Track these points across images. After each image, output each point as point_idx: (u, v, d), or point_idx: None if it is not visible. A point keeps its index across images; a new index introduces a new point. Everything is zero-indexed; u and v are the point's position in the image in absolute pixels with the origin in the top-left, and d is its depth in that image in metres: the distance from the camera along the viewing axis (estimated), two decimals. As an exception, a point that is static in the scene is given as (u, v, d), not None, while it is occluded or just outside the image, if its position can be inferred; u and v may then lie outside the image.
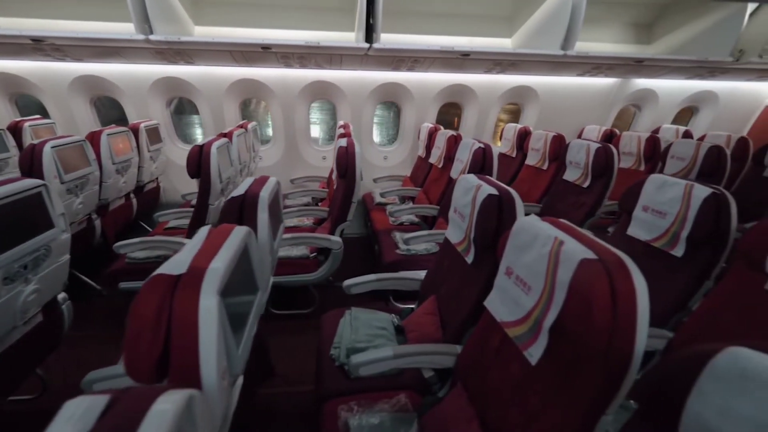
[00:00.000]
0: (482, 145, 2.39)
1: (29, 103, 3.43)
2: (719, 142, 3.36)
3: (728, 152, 3.32)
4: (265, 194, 1.23)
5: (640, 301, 0.77)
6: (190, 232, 2.33)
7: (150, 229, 2.93)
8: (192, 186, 2.46)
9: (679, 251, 1.49)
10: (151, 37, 2.12)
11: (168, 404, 0.44)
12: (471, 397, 1.20)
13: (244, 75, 3.25)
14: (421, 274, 1.86)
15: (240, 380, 0.93)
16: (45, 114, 3.31)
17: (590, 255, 0.82)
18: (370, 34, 2.32)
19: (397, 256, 2.47)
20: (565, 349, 0.87)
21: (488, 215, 1.30)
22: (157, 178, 3.49)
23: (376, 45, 2.31)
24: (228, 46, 2.31)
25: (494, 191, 1.32)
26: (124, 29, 2.14)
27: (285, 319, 2.57)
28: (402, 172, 3.98)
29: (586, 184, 2.59)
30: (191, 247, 0.80)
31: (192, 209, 2.31)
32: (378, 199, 3.58)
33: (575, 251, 0.83)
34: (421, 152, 3.61)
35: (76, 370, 1.77)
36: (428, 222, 2.99)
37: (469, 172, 2.49)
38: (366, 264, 3.14)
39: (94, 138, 2.51)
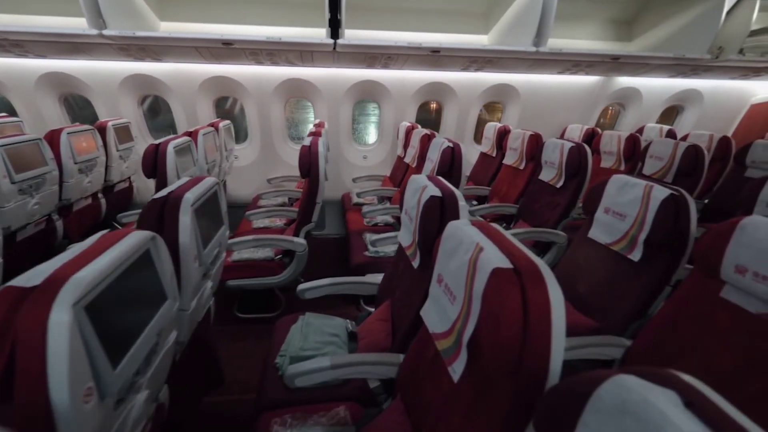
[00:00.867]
0: (451, 144, 2.33)
1: (-2, 103, 3.36)
2: (702, 141, 3.30)
3: (707, 152, 3.28)
4: (191, 196, 1.15)
5: (555, 314, 0.70)
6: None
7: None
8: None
9: (636, 255, 1.43)
10: (105, 32, 2.05)
11: None
12: (408, 411, 1.13)
13: (216, 72, 3.18)
14: (380, 277, 1.80)
15: (142, 396, 0.87)
16: (15, 113, 3.24)
17: (505, 264, 0.75)
18: (335, 29, 2.25)
19: (364, 259, 2.40)
20: (482, 365, 0.81)
21: (430, 217, 1.24)
22: (129, 178, 3.42)
23: (341, 41, 2.24)
24: (188, 41, 2.23)
25: (437, 192, 1.25)
26: (79, 24, 2.07)
27: (251, 323, 2.50)
28: (382, 172, 3.91)
29: (560, 184, 2.53)
30: (65, 255, 0.74)
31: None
32: (355, 199, 3.52)
33: (490, 259, 0.77)
34: (400, 151, 3.55)
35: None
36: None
37: (437, 172, 2.43)
38: (341, 266, 3.07)
39: (53, 137, 2.44)
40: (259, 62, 2.92)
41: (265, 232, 2.79)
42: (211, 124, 3.04)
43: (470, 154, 3.98)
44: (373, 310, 1.69)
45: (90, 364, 0.66)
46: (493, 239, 0.85)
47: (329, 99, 3.44)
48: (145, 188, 3.57)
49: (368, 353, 1.37)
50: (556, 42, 2.83)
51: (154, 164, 2.07)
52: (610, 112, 4.39)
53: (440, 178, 1.42)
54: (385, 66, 3.06)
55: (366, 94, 3.58)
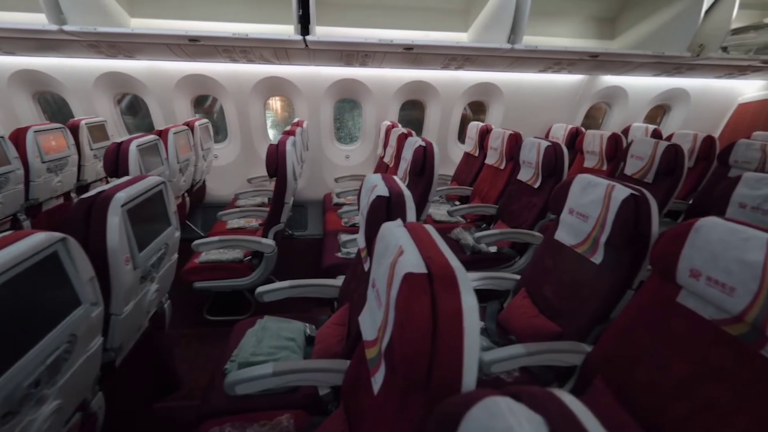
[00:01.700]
0: (423, 143, 2.28)
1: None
2: (686, 140, 3.26)
3: (691, 152, 3.24)
4: (124, 195, 1.10)
5: (468, 323, 0.65)
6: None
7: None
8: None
9: (597, 258, 1.38)
10: (65, 28, 1.99)
11: None
12: (349, 419, 1.08)
13: (193, 70, 3.12)
14: (341, 280, 1.75)
15: (49, 408, 0.81)
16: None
17: (420, 268, 0.70)
18: (305, 26, 2.20)
19: (336, 260, 2.36)
20: (396, 377, 0.76)
21: (376, 218, 1.18)
22: (106, 177, 3.36)
23: (310, 38, 2.18)
24: (153, 38, 2.18)
25: (385, 193, 1.20)
26: (39, 19, 2.02)
27: (221, 325, 2.45)
28: (366, 172, 3.86)
29: (537, 184, 2.48)
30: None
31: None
32: (335, 199, 3.47)
33: (406, 263, 0.72)
34: (380, 151, 3.50)
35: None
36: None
37: (410, 171, 2.38)
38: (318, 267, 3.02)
39: (19, 135, 2.39)
40: (234, 60, 2.86)
41: (240, 232, 2.75)
42: (186, 123, 2.99)
43: (455, 154, 3.93)
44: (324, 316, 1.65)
45: None
46: (418, 241, 0.80)
47: (309, 98, 3.39)
48: (123, 188, 3.51)
49: (315, 360, 1.32)
50: (534, 39, 2.78)
51: (115, 163, 2.02)
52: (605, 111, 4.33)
53: (395, 177, 1.37)
54: (363, 64, 3.01)
55: (347, 93, 3.53)
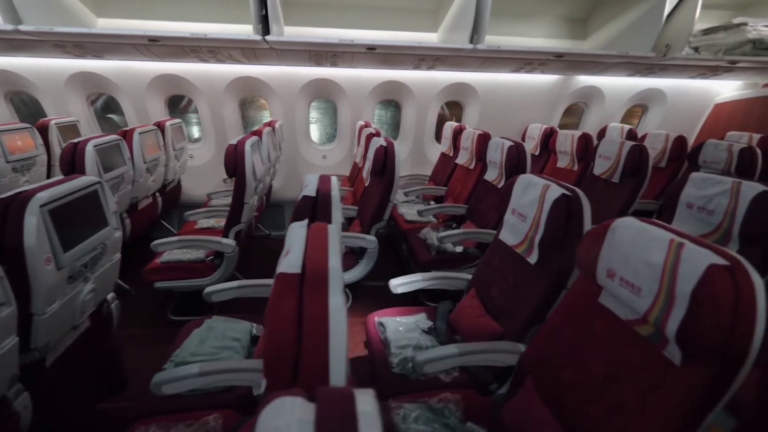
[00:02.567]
0: (384, 143, 2.28)
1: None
2: (659, 141, 3.27)
3: (658, 152, 3.25)
4: (46, 195, 1.10)
5: (334, 324, 0.65)
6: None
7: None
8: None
9: (533, 258, 1.38)
10: (21, 27, 1.99)
11: None
12: None
13: (164, 70, 3.12)
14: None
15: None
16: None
17: (294, 268, 0.70)
18: (266, 26, 2.20)
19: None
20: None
21: (301, 218, 1.18)
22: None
23: (270, 37, 2.18)
24: (110, 37, 2.18)
25: (312, 193, 1.20)
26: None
27: (183, 325, 2.45)
28: (343, 171, 3.86)
29: (501, 184, 2.48)
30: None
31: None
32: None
33: (284, 263, 0.72)
34: (355, 151, 3.50)
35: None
36: (350, 223, 2.87)
37: (371, 172, 2.38)
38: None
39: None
40: (204, 60, 2.86)
41: (208, 232, 2.74)
42: (157, 123, 2.99)
43: (432, 154, 3.93)
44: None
45: None
46: (311, 243, 0.81)
47: (283, 97, 3.39)
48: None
49: (243, 360, 1.32)
50: (497, 39, 2.79)
51: (71, 163, 2.01)
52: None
53: (333, 178, 1.37)
54: (334, 64, 3.01)
55: (321, 93, 3.53)
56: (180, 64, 3.12)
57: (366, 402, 0.43)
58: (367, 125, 3.23)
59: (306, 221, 0.93)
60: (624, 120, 4.14)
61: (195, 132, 3.83)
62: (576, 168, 3.09)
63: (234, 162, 2.11)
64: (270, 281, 1.74)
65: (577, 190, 1.31)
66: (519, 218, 1.47)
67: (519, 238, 1.47)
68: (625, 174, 2.53)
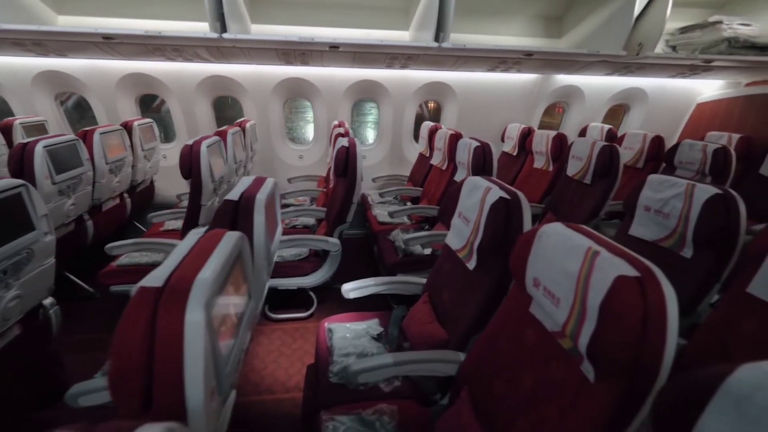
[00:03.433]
0: (346, 144, 2.23)
1: None
2: (636, 141, 3.22)
3: (636, 152, 3.20)
4: (262, 196, 1.14)
5: (189, 339, 0.60)
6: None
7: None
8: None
9: (472, 263, 1.33)
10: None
11: None
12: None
13: (133, 69, 3.07)
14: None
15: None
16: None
17: (157, 281, 0.65)
18: (223, 23, 2.15)
19: (260, 263, 2.30)
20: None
21: (221, 224, 1.13)
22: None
23: (227, 35, 2.13)
24: (64, 35, 2.12)
25: (235, 197, 1.15)
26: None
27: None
28: (320, 172, 3.81)
29: (469, 186, 2.43)
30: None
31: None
32: (284, 200, 3.42)
33: (150, 276, 0.67)
34: (330, 151, 3.45)
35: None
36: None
37: (334, 172, 2.33)
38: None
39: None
40: (171, 58, 2.81)
41: (174, 234, 2.69)
42: (124, 123, 2.93)
43: (410, 154, 3.88)
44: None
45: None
46: (193, 252, 0.76)
47: (256, 97, 3.33)
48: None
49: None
50: (468, 38, 2.74)
51: (20, 164, 1.96)
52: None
53: (269, 180, 1.32)
54: (305, 63, 2.96)
55: (295, 92, 3.48)
56: (149, 63, 3.06)
57: None
58: (340, 125, 3.18)
59: (203, 229, 0.88)
60: (610, 119, 4.10)
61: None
62: (551, 169, 3.03)
63: (189, 163, 2.06)
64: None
65: (518, 193, 1.26)
66: (464, 222, 1.42)
67: (462, 243, 1.42)
68: (597, 175, 2.48)
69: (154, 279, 0.66)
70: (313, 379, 1.53)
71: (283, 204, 3.36)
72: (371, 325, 1.68)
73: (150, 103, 3.59)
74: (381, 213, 3.06)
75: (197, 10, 2.54)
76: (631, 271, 0.74)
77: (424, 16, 2.41)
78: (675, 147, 2.82)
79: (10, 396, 1.44)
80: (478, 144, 2.32)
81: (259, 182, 1.29)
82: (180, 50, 2.59)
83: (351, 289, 1.74)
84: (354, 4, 2.94)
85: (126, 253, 2.16)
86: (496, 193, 1.25)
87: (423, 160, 3.54)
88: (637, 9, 2.43)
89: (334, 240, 2.24)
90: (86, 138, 2.44)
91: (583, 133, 3.81)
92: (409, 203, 3.40)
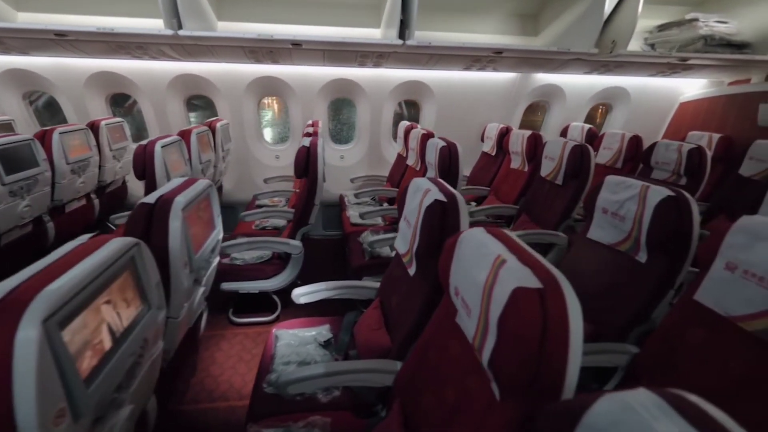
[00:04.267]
0: (307, 144, 2.17)
1: None
2: (615, 140, 3.17)
3: (614, 152, 3.14)
4: (183, 199, 1.09)
5: (18, 361, 0.55)
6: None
7: None
8: None
9: (412, 269, 1.28)
10: None
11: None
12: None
13: (102, 67, 3.01)
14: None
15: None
16: None
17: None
18: (179, 20, 2.09)
19: (222, 266, 2.25)
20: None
21: (133, 231, 1.08)
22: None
23: (182, 32, 2.07)
24: (13, 32, 2.06)
25: (151, 200, 1.10)
26: None
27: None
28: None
29: (436, 187, 2.37)
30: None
31: None
32: (258, 200, 3.37)
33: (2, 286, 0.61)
34: (304, 151, 3.38)
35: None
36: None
37: (295, 173, 2.28)
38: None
39: None
40: (138, 56, 2.75)
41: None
42: (90, 122, 2.88)
43: (389, 154, 3.83)
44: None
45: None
46: (62, 259, 0.70)
47: (228, 96, 3.28)
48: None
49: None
50: (433, 35, 2.69)
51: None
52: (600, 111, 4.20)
53: (199, 182, 1.26)
54: (275, 61, 2.90)
55: (270, 91, 3.42)
56: (118, 61, 3.01)
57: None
58: (313, 124, 3.13)
59: (89, 235, 0.82)
60: (602, 119, 4.04)
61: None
62: (526, 169, 2.98)
63: (143, 163, 2.00)
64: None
65: (457, 195, 1.21)
66: (407, 225, 1.37)
67: (406, 247, 1.37)
68: (568, 175, 2.42)
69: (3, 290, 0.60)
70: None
71: (257, 205, 3.31)
72: (321, 332, 1.63)
73: (122, 103, 3.53)
74: (354, 214, 3.01)
75: (156, 7, 2.49)
76: (533, 282, 0.69)
77: (391, 14, 2.35)
78: (651, 147, 2.76)
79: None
80: (444, 144, 2.26)
81: (187, 184, 1.24)
82: (144, 48, 2.53)
83: (301, 294, 1.68)
84: (326, 2, 2.88)
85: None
86: (432, 195, 1.20)
87: (401, 160, 3.48)
88: (610, 6, 2.37)
89: (296, 242, 2.18)
90: (45, 138, 2.39)
91: (564, 132, 3.76)
92: (386, 204, 3.34)
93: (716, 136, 3.13)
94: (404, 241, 1.40)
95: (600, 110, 4.25)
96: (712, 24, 2.59)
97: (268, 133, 3.91)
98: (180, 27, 2.08)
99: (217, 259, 1.52)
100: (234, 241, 2.14)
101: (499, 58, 2.70)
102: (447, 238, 1.18)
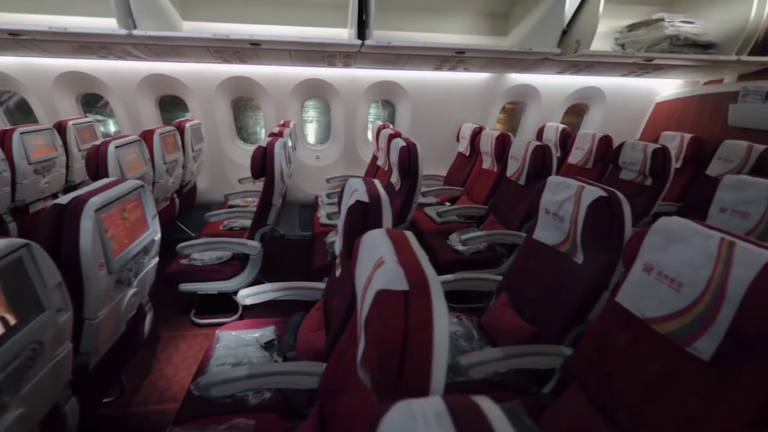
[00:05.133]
0: (264, 144, 2.16)
1: None
2: (586, 141, 3.16)
3: (585, 152, 3.13)
4: (98, 200, 1.08)
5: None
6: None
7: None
8: None
9: (338, 271, 1.27)
10: None
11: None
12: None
13: (70, 67, 3.00)
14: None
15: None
16: None
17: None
18: (134, 20, 2.08)
19: (180, 267, 2.25)
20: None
21: (46, 228, 1.07)
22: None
23: (136, 32, 2.06)
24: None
25: (65, 201, 1.09)
26: None
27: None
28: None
29: (398, 186, 2.37)
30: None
31: None
32: (230, 200, 3.36)
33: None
34: (276, 151, 3.37)
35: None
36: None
37: (251, 173, 2.27)
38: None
39: None
40: (103, 56, 2.74)
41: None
42: (57, 123, 2.88)
43: (365, 154, 3.82)
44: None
45: None
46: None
47: (200, 96, 3.27)
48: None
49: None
50: (388, 35, 2.69)
51: None
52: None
53: (128, 181, 1.26)
54: (242, 61, 2.89)
55: (242, 91, 3.41)
56: (88, 61, 2.99)
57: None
58: (284, 124, 3.11)
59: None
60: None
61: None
62: (495, 169, 2.97)
63: (96, 164, 1.99)
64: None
65: (381, 195, 1.20)
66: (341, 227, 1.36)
67: (338, 249, 1.36)
68: (530, 176, 2.42)
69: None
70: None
71: (229, 205, 3.30)
72: (265, 333, 1.62)
73: (94, 103, 3.52)
74: (323, 214, 3.00)
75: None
76: (400, 285, 0.68)
77: (353, 14, 2.34)
78: (620, 148, 2.76)
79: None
80: (404, 144, 2.26)
81: (111, 185, 1.23)
82: (108, 48, 2.52)
83: (247, 295, 1.68)
84: (294, 2, 2.87)
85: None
86: (356, 196, 1.19)
87: (375, 160, 3.47)
88: (573, 6, 2.37)
89: (254, 243, 2.18)
90: (4, 138, 2.38)
91: (540, 132, 3.75)
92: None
93: (688, 137, 3.13)
94: (338, 242, 1.39)
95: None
96: (677, 24, 2.58)
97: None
98: (135, 26, 2.07)
99: (155, 260, 1.51)
100: (191, 242, 2.13)
101: (468, 58, 2.69)
102: (397, 236, 1.18)
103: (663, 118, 3.69)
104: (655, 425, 1.00)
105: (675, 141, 3.19)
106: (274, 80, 3.27)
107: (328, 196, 3.35)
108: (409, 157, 2.24)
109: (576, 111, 4.04)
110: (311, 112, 3.86)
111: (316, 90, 3.45)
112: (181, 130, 2.96)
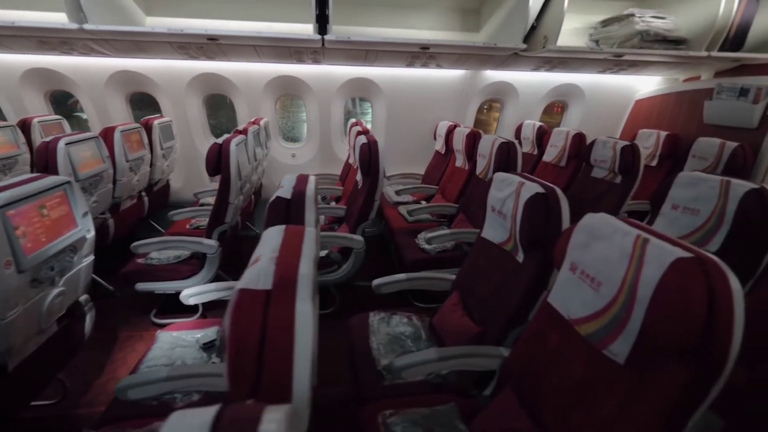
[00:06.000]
0: (220, 142, 2.12)
1: None
2: (560, 138, 3.13)
3: (559, 149, 3.08)
4: (5, 196, 1.07)
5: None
6: None
7: None
8: None
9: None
10: None
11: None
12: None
13: (36, 63, 2.96)
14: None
15: None
16: None
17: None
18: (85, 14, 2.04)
19: (137, 266, 2.21)
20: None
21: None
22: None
23: (87, 26, 2.02)
24: None
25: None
26: None
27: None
28: (249, 171, 3.70)
29: (360, 184, 2.33)
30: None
31: None
32: (201, 199, 3.32)
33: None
34: (248, 149, 3.33)
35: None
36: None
37: (206, 170, 2.23)
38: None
39: None
40: (65, 52, 2.70)
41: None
42: (21, 120, 2.84)
43: (342, 152, 3.78)
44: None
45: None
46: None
47: (170, 93, 3.22)
48: None
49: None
50: (348, 30, 2.64)
51: None
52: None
53: (45, 179, 1.22)
54: (209, 57, 2.85)
55: (213, 88, 3.37)
56: (53, 57, 2.95)
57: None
58: (255, 122, 3.07)
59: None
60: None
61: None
62: (467, 167, 2.93)
63: (45, 160, 1.95)
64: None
65: (306, 191, 1.16)
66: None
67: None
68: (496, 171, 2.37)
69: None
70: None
71: (201, 203, 3.26)
72: (207, 333, 1.58)
73: (63, 101, 3.48)
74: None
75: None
76: (264, 284, 0.64)
77: (313, 8, 2.30)
78: (591, 145, 2.72)
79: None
80: (365, 141, 2.22)
81: (27, 181, 1.19)
82: (69, 44, 2.48)
83: (191, 295, 1.64)
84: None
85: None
86: (280, 191, 1.15)
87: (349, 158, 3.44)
88: (540, 2, 2.32)
89: (210, 242, 2.14)
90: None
91: (518, 130, 3.71)
92: (333, 203, 3.30)
93: (664, 134, 3.09)
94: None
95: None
96: (648, 19, 2.54)
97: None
98: (86, 20, 2.03)
99: (88, 259, 1.47)
100: (145, 241, 2.09)
101: (437, 54, 2.65)
102: (291, 233, 1.14)
103: (642, 116, 3.65)
104: (578, 428, 0.96)
105: (651, 139, 3.15)
106: (244, 77, 3.23)
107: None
108: (369, 154, 2.20)
109: (563, 110, 4.00)
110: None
111: (289, 87, 3.41)
112: (148, 127, 2.93)
